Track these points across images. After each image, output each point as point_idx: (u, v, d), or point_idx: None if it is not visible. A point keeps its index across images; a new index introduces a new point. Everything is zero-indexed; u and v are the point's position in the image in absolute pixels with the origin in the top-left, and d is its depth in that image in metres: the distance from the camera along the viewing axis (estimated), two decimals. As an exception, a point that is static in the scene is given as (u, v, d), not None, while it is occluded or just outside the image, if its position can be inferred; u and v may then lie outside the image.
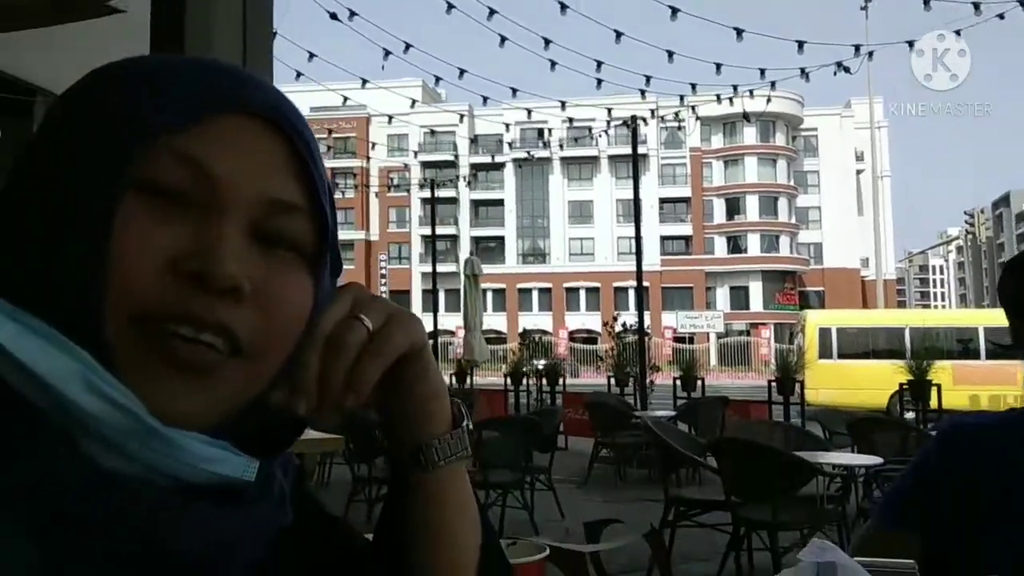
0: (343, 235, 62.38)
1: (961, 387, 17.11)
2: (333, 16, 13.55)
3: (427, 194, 41.95)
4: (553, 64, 15.30)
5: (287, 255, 0.63)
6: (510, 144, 46.23)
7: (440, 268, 26.62)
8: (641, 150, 19.35)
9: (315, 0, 13.01)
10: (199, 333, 0.57)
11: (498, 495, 7.50)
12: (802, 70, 15.54)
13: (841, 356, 21.69)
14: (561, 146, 47.08)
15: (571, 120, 22.98)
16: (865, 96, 49.18)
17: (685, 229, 64.95)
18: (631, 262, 18.25)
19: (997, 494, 1.57)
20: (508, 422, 9.62)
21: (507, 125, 25.67)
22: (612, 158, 63.20)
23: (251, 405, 0.62)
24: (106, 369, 0.55)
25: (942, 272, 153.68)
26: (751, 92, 17.74)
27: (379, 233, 66.45)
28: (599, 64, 15.40)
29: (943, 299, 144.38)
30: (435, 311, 24.60)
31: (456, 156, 55.41)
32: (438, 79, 17.81)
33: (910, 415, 12.13)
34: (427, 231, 40.25)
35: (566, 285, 63.36)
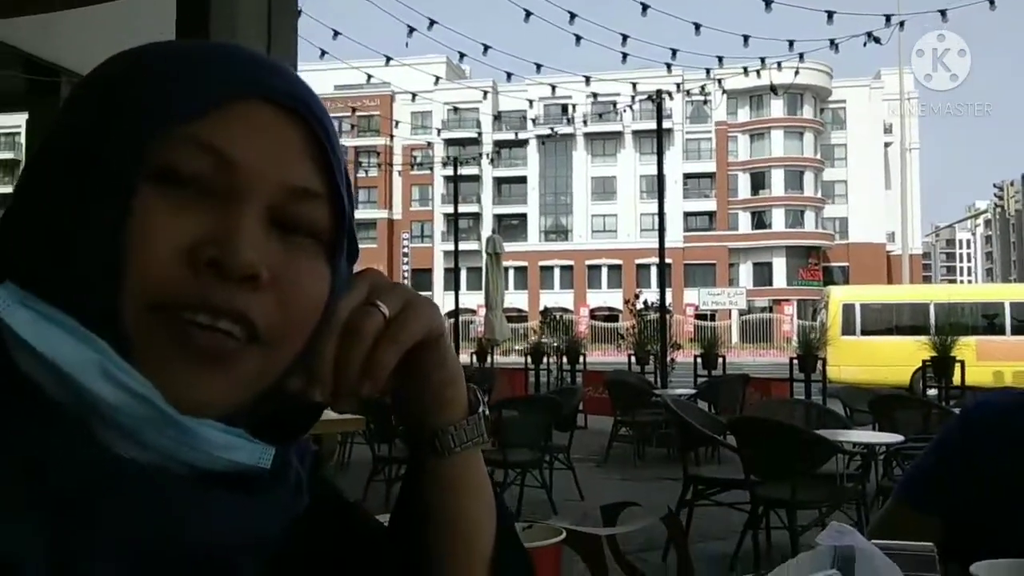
0: (366, 214, 62.56)
1: (985, 363, 16.95)
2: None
3: (450, 172, 41.90)
4: (578, 39, 15.18)
5: (305, 242, 0.63)
6: (533, 120, 46.02)
7: (462, 246, 26.65)
8: (666, 125, 19.16)
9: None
10: (216, 321, 0.58)
11: (517, 474, 7.53)
12: (831, 41, 15.32)
13: (864, 332, 21.52)
14: (585, 122, 46.74)
15: (595, 95, 22.84)
16: (895, 67, 48.44)
17: (709, 205, 64.49)
18: (654, 239, 18.23)
19: (1020, 474, 1.56)
20: (528, 401, 9.63)
21: (531, 101, 25.61)
22: (636, 133, 62.77)
23: (267, 392, 0.63)
24: (123, 358, 0.56)
25: (969, 246, 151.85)
26: (779, 64, 17.50)
27: (402, 212, 66.48)
28: (624, 38, 15.26)
29: (970, 274, 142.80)
30: (456, 290, 24.65)
31: (480, 133, 55.19)
32: (462, 55, 17.66)
33: (933, 392, 12.04)
34: (450, 209, 40.34)
35: (588, 262, 63.16)
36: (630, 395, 11.17)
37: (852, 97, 63.95)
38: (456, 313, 25.02)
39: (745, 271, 61.85)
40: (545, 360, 16.42)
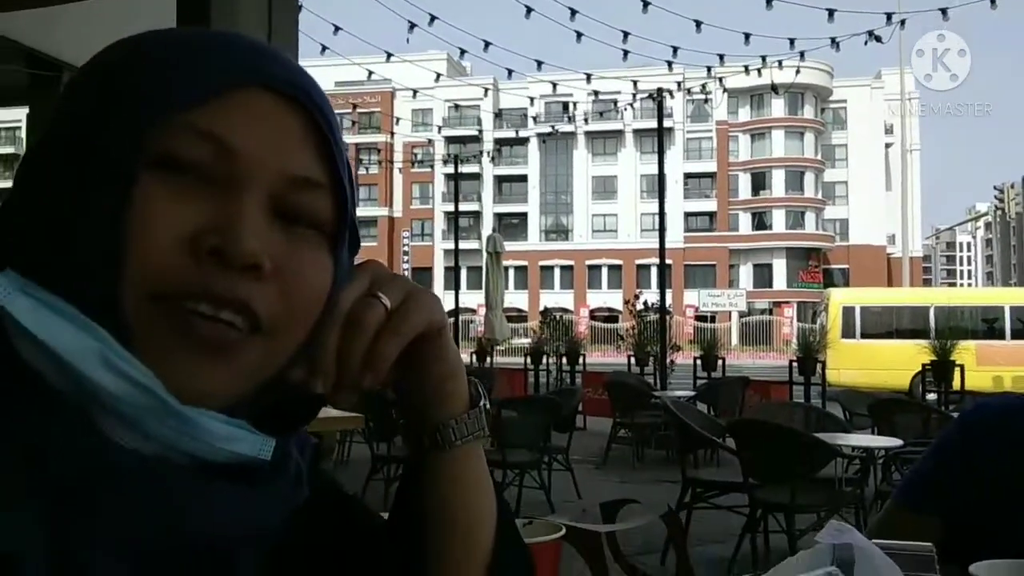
0: (367, 211, 62.55)
1: (985, 368, 16.95)
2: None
3: (451, 170, 41.85)
4: (579, 35, 15.17)
5: (307, 232, 0.63)
6: (535, 118, 46.12)
7: (463, 245, 26.66)
8: (667, 124, 19.16)
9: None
10: (218, 311, 0.57)
11: (515, 475, 7.53)
12: (832, 39, 15.29)
13: (864, 336, 21.52)
14: (586, 119, 46.77)
15: (596, 93, 22.85)
16: (896, 67, 48.45)
17: (709, 205, 64.52)
18: (654, 239, 18.23)
19: (1019, 475, 1.56)
20: (527, 401, 9.64)
21: (532, 99, 25.56)
22: (637, 132, 62.76)
23: (268, 383, 0.62)
24: (124, 347, 0.55)
25: (969, 249, 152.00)
26: (780, 63, 17.50)
27: (402, 209, 66.53)
28: (625, 35, 15.27)
29: (970, 277, 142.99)
30: (456, 289, 24.64)
31: (480, 131, 55.26)
32: (463, 52, 17.67)
33: (932, 396, 12.03)
34: (450, 207, 40.34)
35: (588, 262, 63.20)
36: (629, 396, 11.17)
37: (853, 97, 63.93)
38: (456, 312, 25.01)
39: (745, 272, 61.89)
40: (545, 360, 16.43)
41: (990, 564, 1.10)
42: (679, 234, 59.33)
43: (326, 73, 48.94)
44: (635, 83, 20.37)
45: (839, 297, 23.34)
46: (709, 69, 18.33)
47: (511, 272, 58.10)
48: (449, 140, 59.55)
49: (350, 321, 0.63)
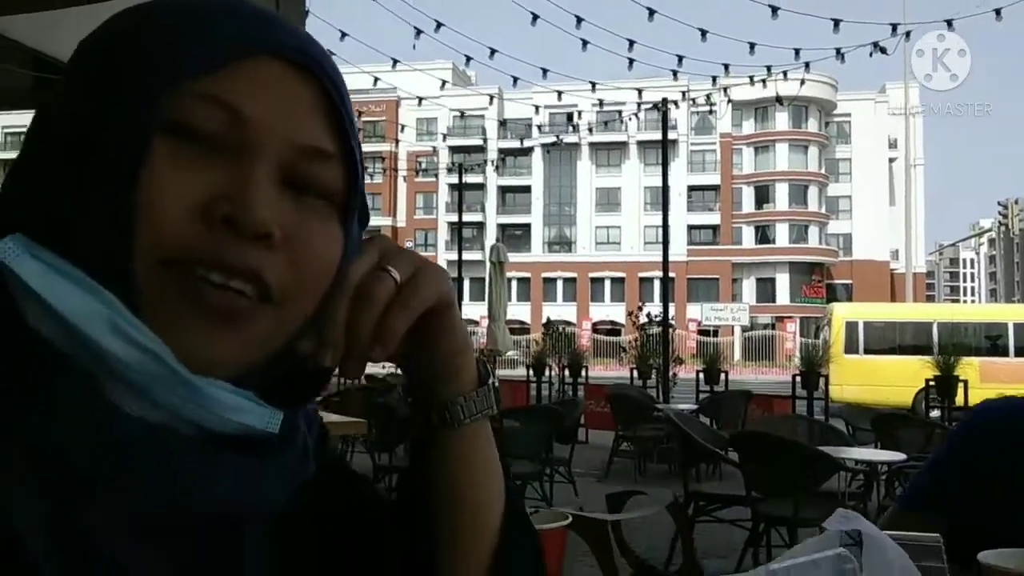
0: (371, 221, 63.23)
1: (988, 385, 16.85)
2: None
3: (454, 179, 41.80)
4: (585, 43, 15.20)
5: (317, 203, 0.62)
6: (539, 127, 46.22)
7: (466, 256, 26.66)
8: (671, 136, 19.20)
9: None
10: (229, 279, 0.57)
11: (517, 486, 7.52)
12: (837, 50, 15.27)
13: (867, 351, 21.46)
14: (590, 130, 46.88)
15: (601, 102, 22.86)
16: (900, 81, 48.52)
17: (713, 218, 64.55)
18: (657, 252, 18.25)
19: (1021, 476, 1.56)
20: (529, 412, 9.63)
21: (536, 107, 25.62)
22: (641, 144, 62.87)
23: (277, 354, 0.62)
24: (133, 313, 0.55)
25: (973, 266, 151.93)
26: (785, 74, 17.50)
27: (406, 219, 66.66)
28: (631, 44, 15.28)
29: (973, 294, 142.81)
30: (460, 300, 24.63)
31: (485, 139, 55.35)
32: (469, 59, 17.65)
33: (935, 413, 12.01)
34: (454, 218, 40.28)
35: (591, 275, 63.23)
36: (632, 409, 11.15)
37: (857, 111, 64.03)
38: (459, 323, 24.96)
39: (748, 287, 61.88)
40: (547, 373, 16.40)
41: (997, 552, 1.10)
42: (682, 247, 59.37)
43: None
44: (640, 91, 20.39)
45: (842, 312, 23.31)
46: (714, 79, 18.28)
47: (514, 284, 58.14)
48: (453, 150, 59.69)
49: (359, 294, 0.62)
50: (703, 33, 14.61)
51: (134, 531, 0.54)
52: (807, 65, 16.23)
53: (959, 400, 11.67)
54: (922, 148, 66.00)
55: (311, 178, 0.62)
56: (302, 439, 0.66)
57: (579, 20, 14.78)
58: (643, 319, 17.03)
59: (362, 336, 0.62)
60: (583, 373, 15.96)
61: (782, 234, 62.11)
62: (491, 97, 30.84)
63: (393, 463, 7.62)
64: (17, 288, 0.55)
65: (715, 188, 64.68)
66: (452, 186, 55.88)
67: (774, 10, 13.90)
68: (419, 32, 15.20)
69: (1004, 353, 20.22)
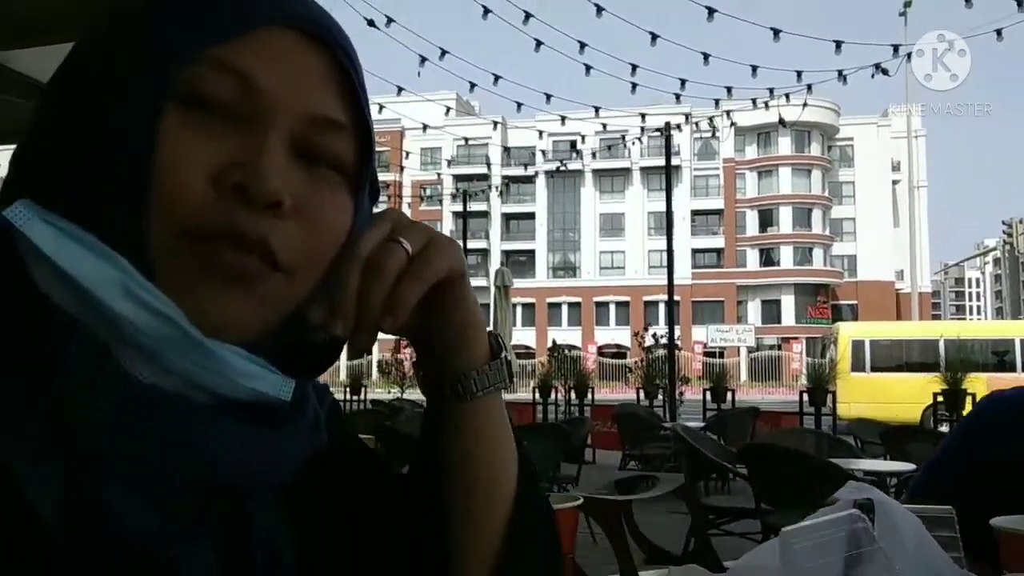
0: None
1: (997, 400, 16.79)
2: (371, 23, 13.53)
3: (459, 207, 41.90)
4: (588, 68, 15.26)
5: (328, 174, 0.63)
6: (543, 152, 46.37)
7: (471, 283, 26.63)
8: (674, 161, 19.25)
9: (352, 7, 13.04)
10: (240, 247, 0.57)
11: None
12: (839, 72, 15.33)
13: (874, 369, 21.40)
14: (594, 155, 46.94)
15: (604, 126, 22.93)
16: (903, 105, 48.66)
17: (717, 242, 64.56)
18: (662, 276, 18.22)
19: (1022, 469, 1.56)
20: (536, 429, 9.60)
21: (540, 132, 25.69)
22: (644, 170, 63.04)
23: (287, 323, 0.62)
24: (146, 278, 0.55)
25: (978, 285, 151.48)
26: (787, 96, 17.55)
27: (411, 247, 66.61)
28: (634, 68, 15.33)
29: (979, 312, 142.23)
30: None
31: (489, 164, 55.62)
32: (473, 86, 17.74)
33: (944, 428, 11.94)
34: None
35: (596, 299, 63.14)
36: (638, 428, 11.13)
37: (860, 135, 64.20)
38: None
39: (754, 308, 61.76)
40: (553, 395, 16.37)
41: (1010, 517, 1.11)
42: (687, 270, 59.32)
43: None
44: (643, 116, 20.45)
45: (848, 331, 23.26)
46: (717, 102, 18.32)
47: (519, 309, 58.09)
48: (457, 178, 59.84)
49: (370, 265, 0.62)
50: (705, 57, 14.66)
51: (146, 498, 0.54)
52: (809, 87, 16.27)
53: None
54: (925, 170, 66.05)
55: (323, 148, 0.62)
56: (313, 410, 0.66)
57: (582, 46, 14.86)
58: (649, 340, 17.02)
59: (373, 307, 0.62)
60: (589, 394, 15.92)
61: (786, 256, 62.08)
62: (495, 123, 30.95)
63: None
64: (28, 252, 0.54)
65: (719, 212, 64.72)
66: (456, 214, 56.04)
67: (776, 32, 13.96)
68: (424, 60, 15.26)
69: (1012, 368, 20.14)
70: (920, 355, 20.88)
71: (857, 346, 21.76)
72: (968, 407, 11.56)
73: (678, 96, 16.48)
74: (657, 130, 20.44)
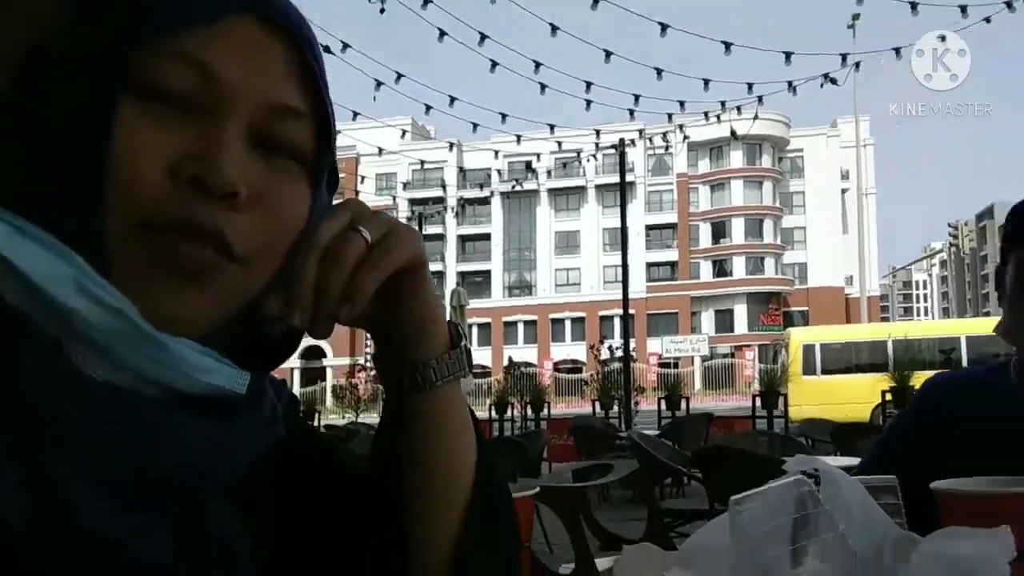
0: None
1: (944, 397, 17.04)
2: (326, 49, 13.47)
3: (415, 229, 41.65)
4: (543, 87, 15.33)
5: (287, 163, 0.62)
6: (499, 172, 46.43)
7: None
8: (628, 178, 19.36)
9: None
10: (195, 240, 0.57)
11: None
12: (789, 83, 15.54)
13: (825, 372, 21.69)
14: (549, 174, 47.16)
15: (559, 144, 23.02)
16: (851, 115, 49.56)
17: (671, 255, 65.15)
18: (617, 290, 18.35)
19: (970, 449, 1.59)
20: (491, 444, 9.57)
21: (496, 153, 25.73)
22: (599, 187, 63.50)
23: (242, 314, 0.62)
24: (100, 274, 0.54)
25: (926, 287, 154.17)
26: (739, 109, 17.75)
27: (365, 271, 66.19)
28: (588, 85, 15.42)
29: (927, 313, 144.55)
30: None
31: (444, 186, 55.56)
32: (428, 108, 17.70)
33: (893, 425, 12.13)
34: (413, 267, 40.29)
35: (552, 316, 63.26)
36: (595, 439, 11.14)
37: (809, 146, 65.34)
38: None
39: (707, 318, 62.30)
40: (509, 411, 16.34)
41: (949, 480, 1.14)
42: (642, 284, 59.72)
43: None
44: (597, 132, 20.53)
45: (799, 336, 23.57)
46: (670, 116, 18.46)
47: (475, 329, 58.00)
48: (413, 202, 59.73)
49: (329, 254, 0.62)
50: (659, 72, 14.78)
51: (102, 494, 0.53)
52: (760, 99, 16.49)
53: (916, 411, 11.78)
54: (874, 178, 67.35)
55: (281, 137, 0.62)
56: (270, 403, 0.66)
57: (537, 65, 14.92)
58: (604, 353, 17.09)
59: (330, 296, 0.61)
60: (545, 409, 15.92)
61: (739, 267, 62.79)
62: (451, 144, 30.92)
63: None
64: None
65: (672, 226, 65.34)
66: (410, 236, 55.77)
67: (727, 46, 14.14)
68: (379, 84, 15.21)
69: (958, 365, 20.47)
70: (869, 356, 21.20)
71: (808, 350, 22.03)
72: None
73: (632, 112, 16.61)
74: (612, 147, 20.58)
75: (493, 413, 16.20)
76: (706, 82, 15.25)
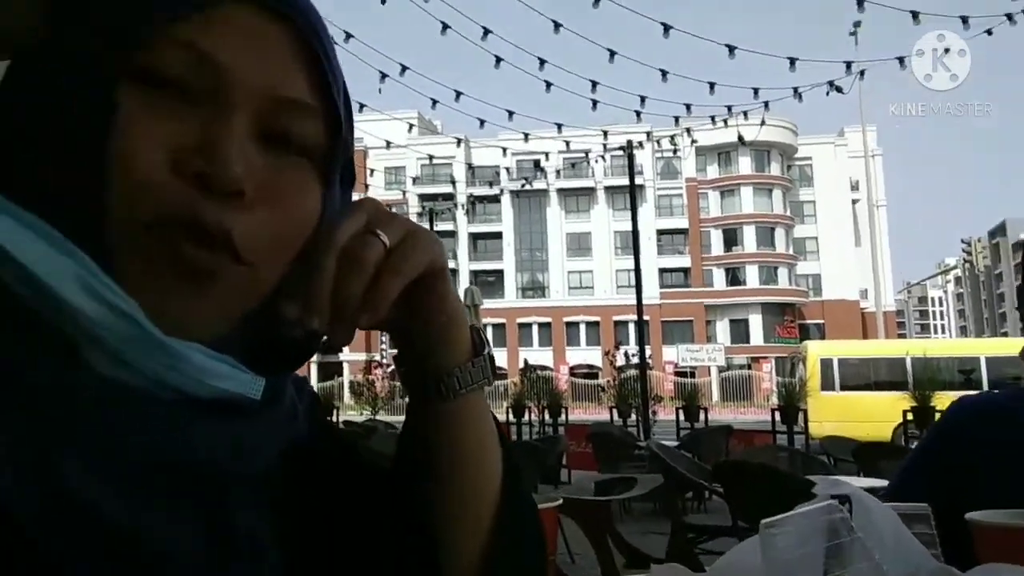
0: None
1: (965, 417, 16.91)
2: (329, 40, 13.55)
3: (425, 227, 41.82)
4: (548, 85, 15.33)
5: (296, 159, 0.60)
6: (508, 171, 46.37)
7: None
8: (637, 181, 19.32)
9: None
10: (201, 239, 0.54)
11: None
12: (795, 89, 15.53)
13: (843, 388, 21.53)
14: (558, 174, 47.09)
15: (567, 144, 23.05)
16: (857, 124, 49.41)
17: (683, 261, 65.03)
18: (630, 295, 18.28)
19: (993, 474, 1.58)
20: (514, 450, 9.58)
21: (504, 150, 25.72)
22: (608, 189, 63.44)
23: (255, 317, 0.60)
24: (105, 273, 0.53)
25: (941, 304, 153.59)
26: (745, 114, 17.72)
27: (377, 268, 66.31)
28: (594, 85, 15.42)
29: (943, 331, 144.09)
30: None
31: (454, 182, 55.50)
32: (435, 102, 17.60)
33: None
34: (426, 265, 40.33)
35: (566, 319, 63.23)
36: (613, 447, 11.14)
37: (817, 154, 65.20)
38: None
39: (722, 328, 62.17)
40: (527, 415, 16.34)
41: (985, 512, 1.13)
42: (655, 290, 59.63)
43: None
44: (605, 132, 20.52)
45: (816, 350, 23.41)
46: (677, 119, 18.45)
47: (489, 330, 58.02)
48: (423, 197, 59.83)
49: (347, 258, 0.59)
50: (664, 74, 14.78)
51: (120, 493, 0.52)
52: (766, 104, 16.48)
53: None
54: (883, 189, 67.11)
55: (290, 132, 0.59)
56: (290, 399, 0.65)
57: (542, 62, 14.93)
58: (620, 359, 17.07)
59: (350, 301, 0.59)
60: (563, 415, 15.91)
61: (752, 276, 62.64)
62: (459, 140, 30.95)
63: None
64: None
65: (684, 232, 65.21)
66: (424, 234, 55.85)
67: (731, 49, 14.12)
68: (384, 76, 15.21)
69: (978, 386, 20.33)
70: (888, 373, 21.03)
71: (826, 365, 21.89)
72: (938, 423, 11.68)
73: (639, 113, 16.60)
74: (620, 148, 20.56)
75: (510, 416, 16.21)
76: (711, 85, 15.26)
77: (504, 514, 0.70)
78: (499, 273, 66.76)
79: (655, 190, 64.20)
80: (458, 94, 16.56)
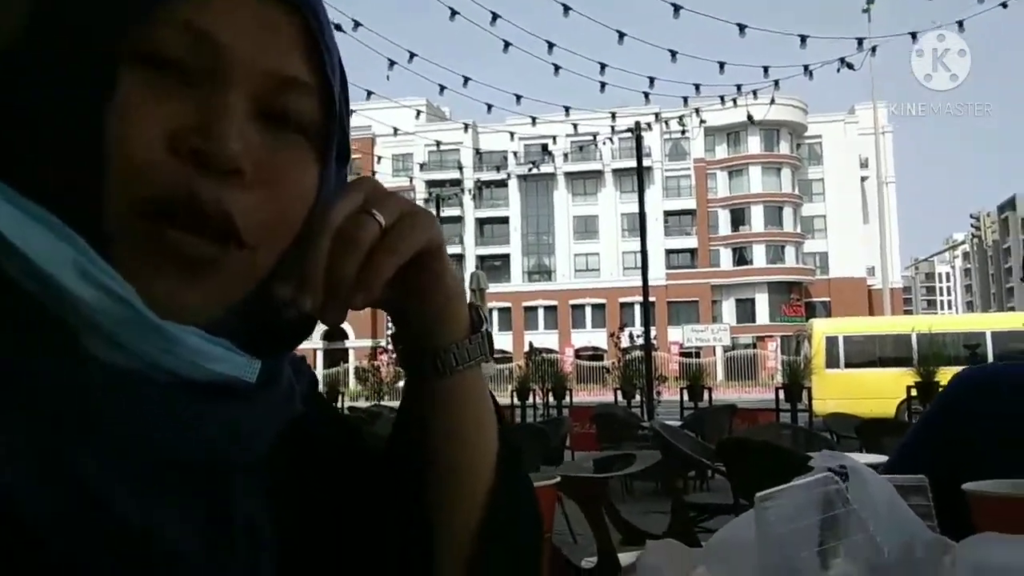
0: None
1: (970, 391, 16.91)
2: (337, 27, 13.54)
3: (432, 212, 41.85)
4: (557, 68, 15.28)
5: (293, 137, 0.60)
6: (515, 155, 46.33)
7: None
8: (645, 162, 19.30)
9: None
10: (199, 221, 0.54)
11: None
12: (805, 67, 15.45)
13: (848, 365, 21.54)
14: (566, 157, 47.06)
15: (575, 127, 23.06)
16: (869, 102, 49.18)
17: (690, 242, 64.95)
18: (637, 277, 18.28)
19: (993, 447, 1.57)
20: (513, 430, 9.58)
21: (512, 134, 25.69)
22: (616, 171, 63.34)
23: (252, 299, 0.60)
24: (102, 257, 0.53)
25: (948, 280, 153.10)
26: (755, 93, 17.60)
27: (384, 253, 66.43)
28: (602, 67, 15.37)
29: (950, 307, 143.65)
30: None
31: (461, 168, 55.46)
32: (443, 88, 17.54)
33: (919, 420, 12.05)
34: (432, 250, 40.37)
35: (572, 302, 63.29)
36: (617, 427, 11.15)
37: (827, 132, 64.89)
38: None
39: (728, 308, 62.15)
40: (531, 398, 16.38)
41: (981, 482, 1.12)
42: (661, 271, 59.59)
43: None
44: (613, 115, 20.47)
45: (822, 327, 23.40)
46: (686, 100, 18.38)
47: (495, 314, 58.13)
48: (430, 184, 59.82)
49: (342, 238, 0.59)
50: (673, 54, 14.72)
51: (127, 481, 0.53)
52: (776, 83, 16.38)
53: (942, 406, 11.71)
54: (892, 166, 66.84)
55: (287, 110, 0.59)
56: (288, 381, 0.65)
57: (551, 46, 14.88)
58: (625, 340, 17.08)
59: (345, 281, 0.59)
60: (567, 397, 15.94)
61: (759, 255, 62.54)
62: (466, 126, 30.94)
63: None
64: None
65: (691, 212, 65.12)
66: (430, 219, 55.85)
67: (741, 28, 14.04)
68: (392, 63, 15.20)
69: (983, 361, 20.30)
70: (893, 350, 21.02)
71: (831, 342, 21.89)
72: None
73: (647, 95, 16.54)
74: (628, 130, 20.50)
75: (515, 399, 16.25)
76: (721, 65, 15.18)
77: (499, 492, 0.70)
78: (505, 257, 66.79)
79: (663, 171, 64.09)
80: (466, 79, 16.55)
